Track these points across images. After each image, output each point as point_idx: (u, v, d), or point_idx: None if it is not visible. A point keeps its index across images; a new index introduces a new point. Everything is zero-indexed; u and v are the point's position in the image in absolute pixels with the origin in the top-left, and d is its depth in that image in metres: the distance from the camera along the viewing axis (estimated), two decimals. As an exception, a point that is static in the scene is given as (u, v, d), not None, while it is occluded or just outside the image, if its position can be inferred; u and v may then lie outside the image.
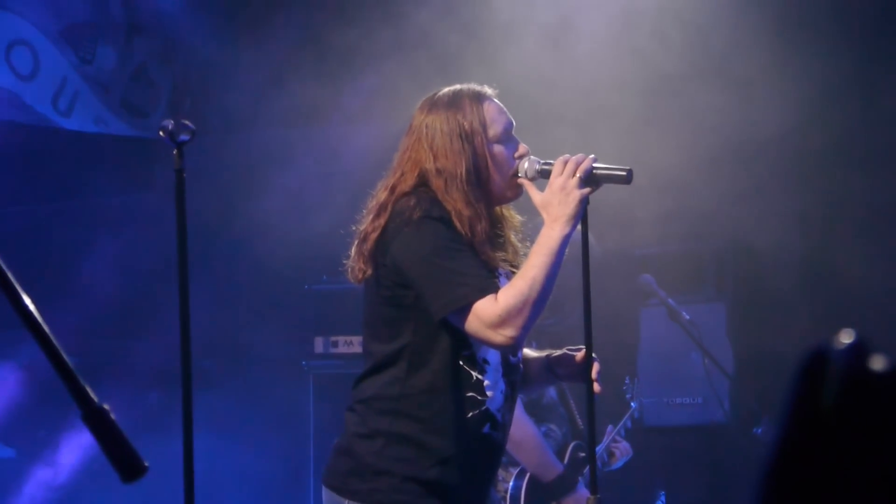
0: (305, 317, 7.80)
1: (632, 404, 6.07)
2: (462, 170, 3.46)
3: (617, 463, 5.81)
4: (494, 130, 3.52)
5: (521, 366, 3.64)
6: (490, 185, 3.50)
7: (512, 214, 3.65)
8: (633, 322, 7.33)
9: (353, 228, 3.58)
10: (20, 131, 7.60)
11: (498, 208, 3.63)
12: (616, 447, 5.81)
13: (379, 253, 3.45)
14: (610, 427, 5.86)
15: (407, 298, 3.43)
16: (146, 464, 1.66)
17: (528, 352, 3.75)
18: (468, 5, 7.30)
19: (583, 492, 5.36)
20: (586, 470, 5.73)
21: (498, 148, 3.52)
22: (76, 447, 7.84)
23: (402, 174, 3.52)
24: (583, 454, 5.53)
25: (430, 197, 3.45)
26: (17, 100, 7.49)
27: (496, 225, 3.60)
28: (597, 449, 5.70)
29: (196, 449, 3.09)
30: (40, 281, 7.14)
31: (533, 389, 3.95)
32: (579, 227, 3.41)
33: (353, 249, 3.55)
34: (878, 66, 7.03)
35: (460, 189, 3.44)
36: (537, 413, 5.49)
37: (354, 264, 3.54)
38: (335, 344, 7.65)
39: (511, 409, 3.59)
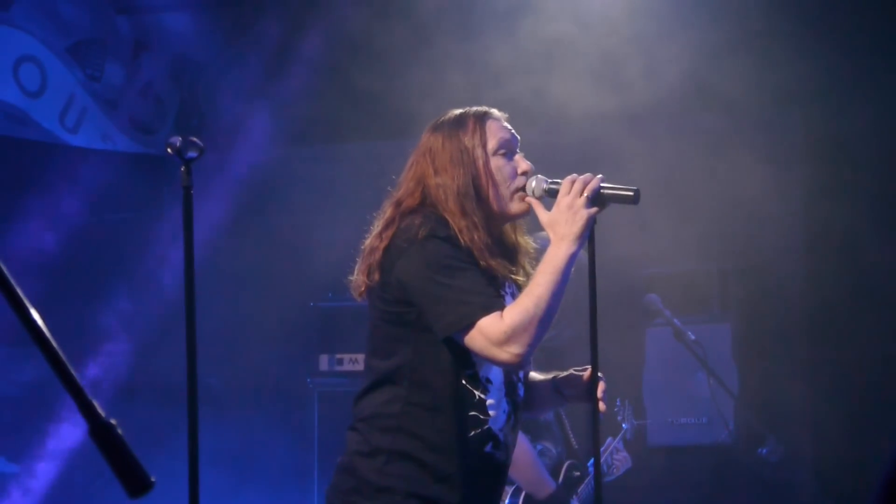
0: (310, 334, 7.79)
1: (623, 426, 6.08)
2: (460, 183, 3.49)
3: (618, 473, 5.84)
4: (492, 144, 3.55)
5: (524, 386, 3.64)
6: (490, 199, 3.52)
7: (527, 242, 3.65)
8: (639, 341, 7.33)
9: (361, 244, 3.59)
10: (27, 148, 7.62)
11: (511, 233, 3.64)
12: (618, 459, 5.85)
13: (384, 269, 3.46)
14: (610, 439, 5.89)
15: (409, 315, 3.43)
16: (153, 479, 1.66)
17: (535, 374, 3.75)
18: (480, 31, 7.33)
19: None
20: (581, 488, 5.79)
21: (496, 162, 3.54)
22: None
23: (407, 190, 3.55)
24: (577, 473, 5.57)
25: (435, 216, 3.46)
26: (24, 116, 7.51)
27: (511, 251, 3.61)
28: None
29: (201, 465, 3.10)
30: (47, 297, 7.14)
31: (540, 411, 3.95)
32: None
33: (359, 264, 3.56)
34: (888, 79, 7.04)
35: (457, 202, 3.47)
36: (532, 431, 5.51)
37: (358, 278, 3.55)
38: (340, 361, 7.65)
39: (514, 430, 3.58)
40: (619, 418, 6.12)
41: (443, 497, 3.45)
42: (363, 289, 3.54)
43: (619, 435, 6.00)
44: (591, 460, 5.71)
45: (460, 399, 3.45)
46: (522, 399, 3.63)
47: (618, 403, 6.21)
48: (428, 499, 3.45)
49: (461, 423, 3.45)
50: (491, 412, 3.48)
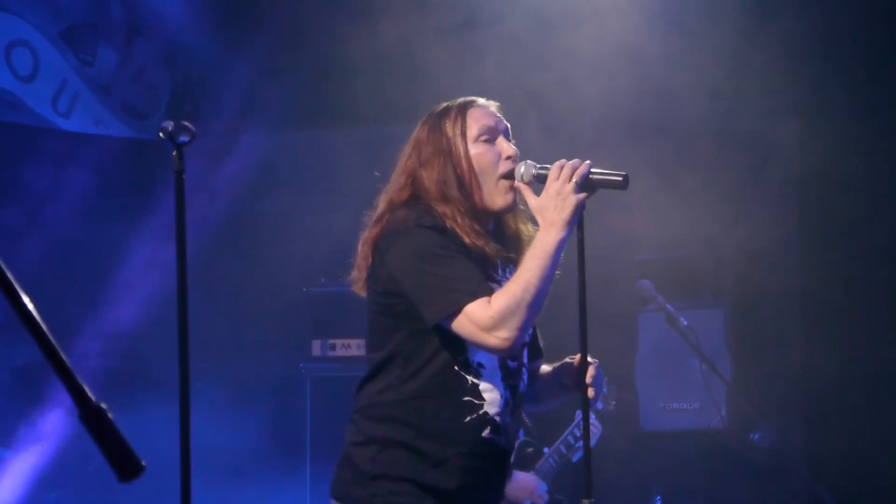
0: (303, 319, 7.79)
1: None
2: (444, 173, 3.51)
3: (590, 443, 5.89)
4: (473, 131, 3.56)
5: (525, 371, 3.63)
6: (472, 188, 3.53)
7: (529, 229, 3.63)
8: (632, 327, 7.34)
9: (357, 237, 3.61)
10: (19, 132, 7.61)
11: (512, 223, 3.64)
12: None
13: (374, 263, 3.49)
14: (579, 411, 5.95)
15: (400, 306, 3.45)
16: (144, 463, 1.66)
17: (545, 367, 3.76)
18: (474, 19, 7.33)
19: (522, 479, 5.46)
20: (539, 463, 5.87)
21: (477, 149, 3.55)
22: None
23: (398, 184, 3.59)
24: (531, 449, 5.65)
25: (422, 207, 3.49)
26: (16, 101, 7.49)
27: (513, 240, 3.61)
28: (569, 431, 5.82)
29: (192, 449, 3.10)
30: (39, 281, 7.13)
31: (548, 404, 3.95)
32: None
33: (356, 260, 3.59)
34: (882, 77, 7.05)
35: (439, 190, 3.49)
36: None
37: (355, 273, 3.58)
38: (333, 347, 7.65)
39: (514, 414, 3.58)
40: None
41: (438, 483, 3.46)
42: (361, 284, 3.57)
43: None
44: (559, 441, 5.78)
45: (452, 385, 3.46)
46: (526, 385, 3.63)
47: None
48: (422, 484, 3.46)
49: (455, 409, 3.46)
50: (486, 396, 3.48)
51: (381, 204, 3.58)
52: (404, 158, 3.62)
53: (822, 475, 6.90)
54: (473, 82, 6.61)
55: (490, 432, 3.50)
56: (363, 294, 3.61)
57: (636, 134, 7.20)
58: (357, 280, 3.58)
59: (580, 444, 5.94)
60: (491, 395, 3.49)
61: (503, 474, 3.65)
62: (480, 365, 3.48)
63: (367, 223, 3.59)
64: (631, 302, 7.17)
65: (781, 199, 7.26)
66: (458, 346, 3.44)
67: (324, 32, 7.74)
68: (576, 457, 6.00)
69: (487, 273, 3.48)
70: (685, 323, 6.50)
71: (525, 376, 3.63)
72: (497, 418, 3.51)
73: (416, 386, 3.46)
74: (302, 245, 7.72)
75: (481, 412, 3.48)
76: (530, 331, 3.64)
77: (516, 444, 5.54)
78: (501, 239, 3.60)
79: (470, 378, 3.47)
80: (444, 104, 3.66)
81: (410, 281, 3.40)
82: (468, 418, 3.47)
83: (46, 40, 7.62)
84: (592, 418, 5.92)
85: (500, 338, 3.32)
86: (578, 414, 5.95)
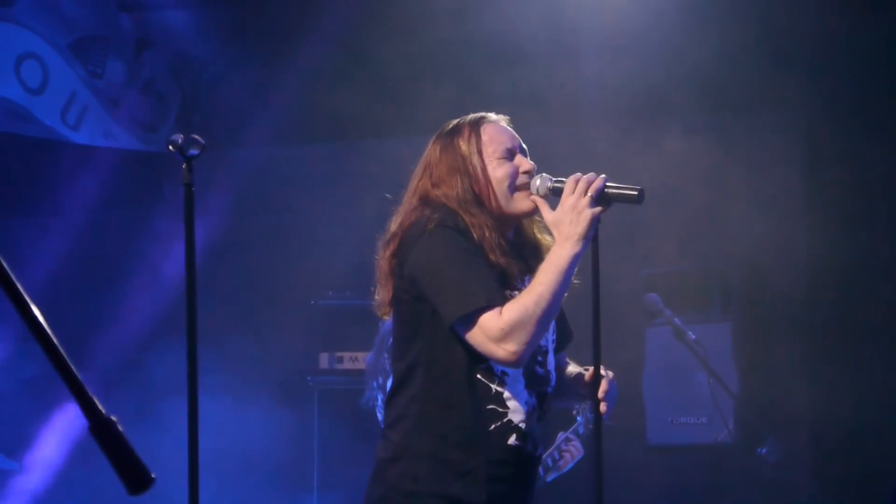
0: (310, 332, 7.79)
1: (578, 419, 6.09)
2: (459, 191, 3.50)
3: (569, 465, 5.86)
4: (490, 148, 3.55)
5: (553, 376, 3.62)
6: (491, 203, 3.52)
7: (547, 238, 3.61)
8: (639, 341, 7.33)
9: (373, 260, 3.60)
10: (28, 145, 7.62)
11: (530, 231, 3.64)
12: (567, 450, 5.87)
13: (397, 267, 3.47)
14: (561, 433, 5.93)
15: (423, 314, 3.44)
16: (153, 476, 1.66)
17: (572, 368, 3.76)
18: (485, 24, 7.32)
19: None
20: None
21: (494, 165, 3.54)
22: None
23: (410, 206, 3.57)
24: None
25: (445, 209, 3.47)
26: (26, 113, 7.51)
27: (532, 248, 3.60)
28: (549, 453, 5.80)
29: (200, 462, 3.10)
30: (48, 292, 7.15)
31: (567, 403, 3.95)
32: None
33: (377, 285, 3.58)
34: (890, 88, 7.04)
35: (460, 208, 3.48)
36: None
37: (380, 298, 3.57)
38: (340, 360, 7.65)
39: (541, 420, 3.56)
40: (573, 412, 6.12)
41: (466, 493, 3.45)
42: (387, 307, 3.55)
43: (571, 428, 6.01)
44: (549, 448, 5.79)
45: (476, 393, 3.45)
46: (554, 388, 3.62)
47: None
48: (451, 497, 3.44)
49: (479, 418, 3.46)
50: (510, 404, 3.47)
51: (394, 225, 3.57)
52: (416, 180, 3.60)
53: (828, 489, 6.89)
54: (475, 96, 6.62)
55: (516, 439, 3.49)
56: (388, 318, 3.60)
57: (640, 146, 7.19)
58: (382, 305, 3.57)
59: (560, 463, 5.91)
60: (515, 403, 3.48)
61: (532, 481, 3.63)
62: (504, 373, 3.47)
63: (379, 246, 3.57)
64: (638, 316, 7.15)
65: (789, 212, 7.25)
66: (480, 354, 3.43)
67: (331, 43, 7.75)
68: (550, 478, 5.97)
69: (509, 284, 3.47)
70: (693, 337, 6.49)
71: (553, 381, 3.62)
72: (522, 425, 3.49)
73: (439, 394, 3.46)
74: (310, 258, 7.72)
75: (505, 420, 3.47)
76: (553, 336, 3.63)
77: None
78: (521, 247, 3.59)
79: (493, 386, 3.47)
80: (454, 122, 3.64)
81: (430, 280, 3.39)
82: (493, 426, 3.46)
83: (56, 53, 7.64)
84: (576, 442, 5.91)
85: (507, 350, 3.32)
86: (560, 434, 5.93)
